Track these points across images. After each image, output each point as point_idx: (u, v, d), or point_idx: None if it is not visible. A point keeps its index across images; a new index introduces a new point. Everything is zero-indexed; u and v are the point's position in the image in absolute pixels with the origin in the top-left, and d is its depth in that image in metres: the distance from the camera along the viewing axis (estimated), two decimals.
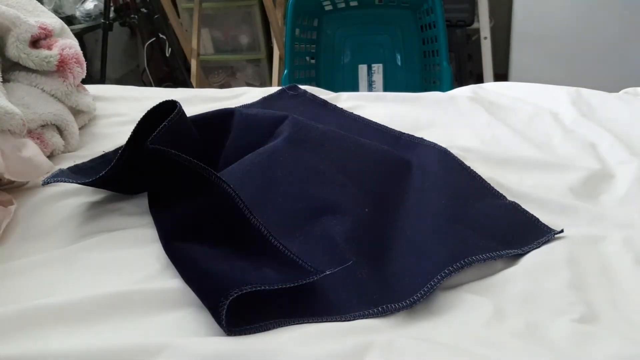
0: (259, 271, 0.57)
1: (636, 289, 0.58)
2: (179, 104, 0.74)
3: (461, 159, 0.80)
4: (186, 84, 2.25)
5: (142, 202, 0.74)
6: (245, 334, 0.51)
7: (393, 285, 0.60)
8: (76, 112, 0.96)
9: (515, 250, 0.63)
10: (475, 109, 0.99)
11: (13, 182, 0.75)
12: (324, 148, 0.77)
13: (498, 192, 0.74)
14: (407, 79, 1.76)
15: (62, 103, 0.93)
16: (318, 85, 1.50)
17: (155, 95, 1.10)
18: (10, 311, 0.52)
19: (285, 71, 1.72)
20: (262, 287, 0.52)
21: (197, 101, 1.07)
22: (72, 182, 0.73)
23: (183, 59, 2.37)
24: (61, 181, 0.73)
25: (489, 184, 0.75)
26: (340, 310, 0.56)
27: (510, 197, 0.73)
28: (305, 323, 0.53)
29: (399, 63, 1.77)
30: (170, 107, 0.74)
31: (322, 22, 1.77)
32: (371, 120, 0.94)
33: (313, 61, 1.80)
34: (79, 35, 2.06)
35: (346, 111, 0.98)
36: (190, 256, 0.60)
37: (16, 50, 0.88)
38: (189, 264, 0.59)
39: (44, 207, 0.73)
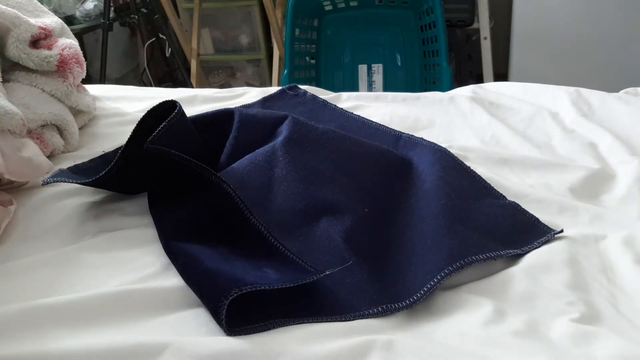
0: (259, 271, 0.57)
1: (636, 289, 0.58)
2: (179, 104, 0.74)
3: (461, 159, 0.80)
4: (186, 84, 2.25)
5: (142, 202, 0.74)
6: (245, 333, 0.51)
7: (393, 285, 0.60)
8: (76, 112, 0.96)
9: (515, 250, 0.63)
10: (475, 109, 0.99)
11: (13, 182, 0.75)
12: (324, 148, 0.77)
13: (498, 192, 0.74)
14: (407, 79, 1.76)
15: (62, 103, 0.92)
16: (318, 85, 1.50)
17: (156, 95, 1.10)
18: (10, 311, 0.52)
19: (285, 71, 1.72)
20: (262, 287, 0.52)
21: (197, 101, 1.07)
22: (72, 182, 0.73)
23: (183, 59, 2.37)
24: (61, 181, 0.73)
25: (489, 184, 0.75)
26: (341, 310, 0.56)
27: (510, 197, 0.73)
28: (305, 323, 0.53)
29: (399, 63, 1.77)
30: (170, 107, 0.74)
31: (322, 22, 1.77)
32: (371, 120, 0.94)
33: (313, 61, 1.80)
34: (79, 35, 2.06)
35: (346, 111, 0.99)
36: (190, 256, 0.60)
37: (16, 50, 0.88)
38: (188, 264, 0.59)
39: (44, 207, 0.73)
